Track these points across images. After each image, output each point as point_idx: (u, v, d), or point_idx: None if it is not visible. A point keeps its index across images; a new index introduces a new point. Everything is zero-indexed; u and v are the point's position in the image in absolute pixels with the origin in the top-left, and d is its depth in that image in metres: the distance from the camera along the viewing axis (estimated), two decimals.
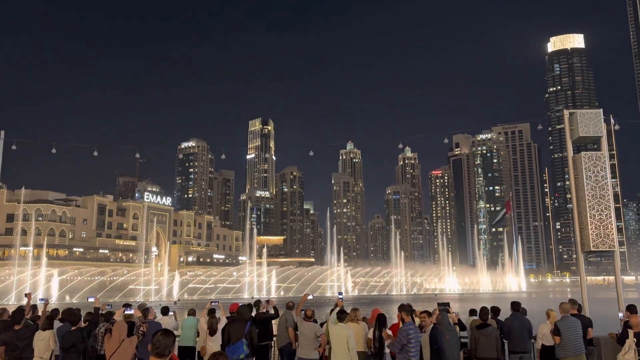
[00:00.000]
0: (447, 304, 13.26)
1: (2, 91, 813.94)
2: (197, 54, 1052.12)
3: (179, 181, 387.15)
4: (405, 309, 11.24)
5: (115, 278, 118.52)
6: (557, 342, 12.48)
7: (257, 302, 16.10)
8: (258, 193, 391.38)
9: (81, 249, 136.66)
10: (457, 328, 13.43)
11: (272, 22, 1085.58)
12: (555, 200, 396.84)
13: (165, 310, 15.70)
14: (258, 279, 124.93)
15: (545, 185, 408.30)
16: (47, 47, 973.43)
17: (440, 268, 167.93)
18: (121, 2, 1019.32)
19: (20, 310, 12.91)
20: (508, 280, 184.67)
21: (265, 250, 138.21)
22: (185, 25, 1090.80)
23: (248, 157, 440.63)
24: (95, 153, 49.12)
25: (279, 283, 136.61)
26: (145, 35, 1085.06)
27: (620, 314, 14.56)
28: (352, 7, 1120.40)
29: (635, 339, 11.31)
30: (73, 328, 12.21)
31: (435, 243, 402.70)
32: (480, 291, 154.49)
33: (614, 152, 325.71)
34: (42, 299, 14.70)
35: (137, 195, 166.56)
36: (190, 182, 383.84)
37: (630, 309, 13.34)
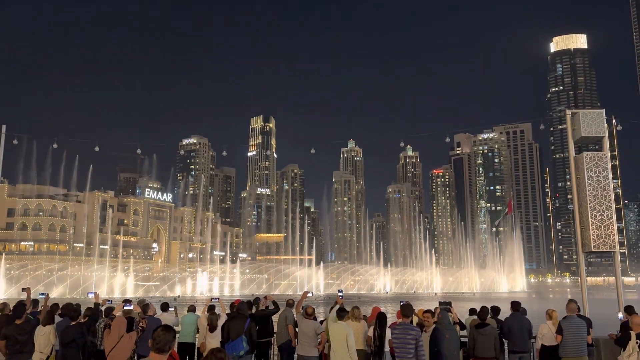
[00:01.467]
0: (449, 303, 13.25)
1: (3, 86, 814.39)
2: (199, 50, 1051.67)
3: (180, 178, 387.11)
4: (402, 309, 11.28)
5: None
6: (559, 341, 12.47)
7: (256, 300, 16.10)
8: (259, 190, 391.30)
9: (82, 245, 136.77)
10: (458, 327, 13.42)
11: (274, 19, 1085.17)
12: (556, 201, 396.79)
13: (164, 307, 15.71)
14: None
15: (547, 185, 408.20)
16: (48, 43, 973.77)
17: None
18: (125, 1, 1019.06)
19: (21, 304, 12.91)
20: (508, 281, 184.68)
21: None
22: (186, 21, 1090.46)
23: (249, 154, 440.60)
24: (97, 148, 49.08)
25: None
26: (146, 32, 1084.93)
27: (620, 315, 14.55)
28: (354, 6, 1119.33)
29: (638, 341, 11.27)
30: (73, 323, 12.22)
31: (436, 242, 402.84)
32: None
33: (616, 152, 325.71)
34: (42, 294, 14.67)
35: (137, 191, 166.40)
36: (191, 179, 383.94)
37: (628, 309, 13.32)
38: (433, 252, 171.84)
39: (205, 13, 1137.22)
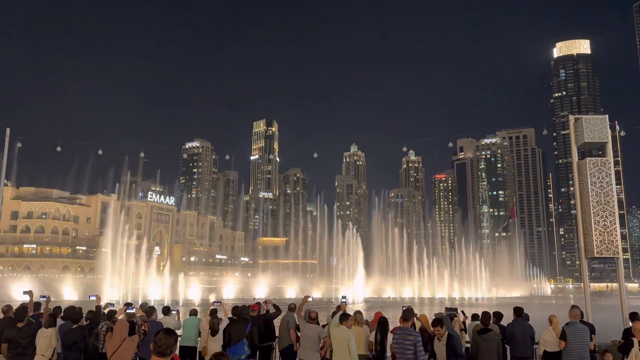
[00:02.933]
0: (455, 310, 13.26)
1: (7, 89, 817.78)
2: (202, 55, 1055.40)
3: (183, 181, 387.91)
4: (403, 314, 11.30)
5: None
6: (562, 347, 12.41)
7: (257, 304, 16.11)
8: (261, 194, 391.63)
9: (84, 247, 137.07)
10: (464, 334, 13.38)
11: (278, 24, 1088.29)
12: (559, 206, 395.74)
13: (166, 310, 15.72)
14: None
15: (550, 190, 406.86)
16: (52, 46, 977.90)
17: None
18: (127, 5, 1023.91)
19: (23, 307, 12.92)
20: (510, 286, 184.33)
21: None
22: (190, 26, 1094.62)
23: (252, 158, 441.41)
24: (100, 152, 49.10)
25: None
26: (149, 36, 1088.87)
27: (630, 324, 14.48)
28: (357, 11, 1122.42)
29: None
30: (74, 326, 12.22)
31: (438, 247, 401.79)
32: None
33: (619, 158, 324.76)
34: (43, 296, 14.67)
35: (140, 194, 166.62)
36: (194, 183, 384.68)
37: (633, 316, 13.25)
38: (433, 258, 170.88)
39: (209, 18, 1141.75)
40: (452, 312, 12.95)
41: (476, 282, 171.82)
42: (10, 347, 11.86)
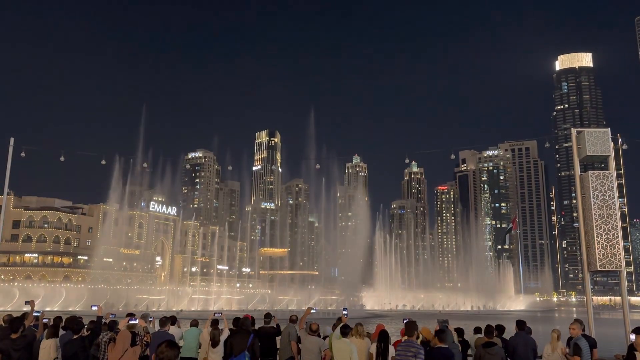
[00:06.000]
0: (447, 321, 13.22)
1: (11, 98, 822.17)
2: (205, 65, 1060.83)
3: (185, 191, 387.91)
4: (406, 326, 11.26)
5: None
6: None
7: (268, 315, 15.94)
8: (263, 205, 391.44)
9: (86, 257, 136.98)
10: (459, 346, 13.32)
11: (279, 35, 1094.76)
12: (562, 219, 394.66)
13: (172, 320, 15.68)
14: None
15: (552, 203, 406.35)
16: (55, 56, 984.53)
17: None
18: (129, 13, 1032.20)
19: (17, 318, 12.77)
20: (512, 299, 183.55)
21: None
22: (193, 36, 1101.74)
23: (254, 168, 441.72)
24: (103, 162, 49.10)
25: None
26: (151, 46, 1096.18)
27: (632, 336, 14.36)
28: (356, 20, 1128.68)
29: None
30: (75, 336, 12.18)
31: (440, 259, 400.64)
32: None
33: (622, 171, 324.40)
34: (37, 312, 14.59)
35: (142, 204, 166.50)
36: (196, 193, 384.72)
37: (638, 330, 13.15)
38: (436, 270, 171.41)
39: (212, 26, 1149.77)
40: (445, 324, 12.89)
41: (478, 295, 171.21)
42: (2, 359, 11.77)
